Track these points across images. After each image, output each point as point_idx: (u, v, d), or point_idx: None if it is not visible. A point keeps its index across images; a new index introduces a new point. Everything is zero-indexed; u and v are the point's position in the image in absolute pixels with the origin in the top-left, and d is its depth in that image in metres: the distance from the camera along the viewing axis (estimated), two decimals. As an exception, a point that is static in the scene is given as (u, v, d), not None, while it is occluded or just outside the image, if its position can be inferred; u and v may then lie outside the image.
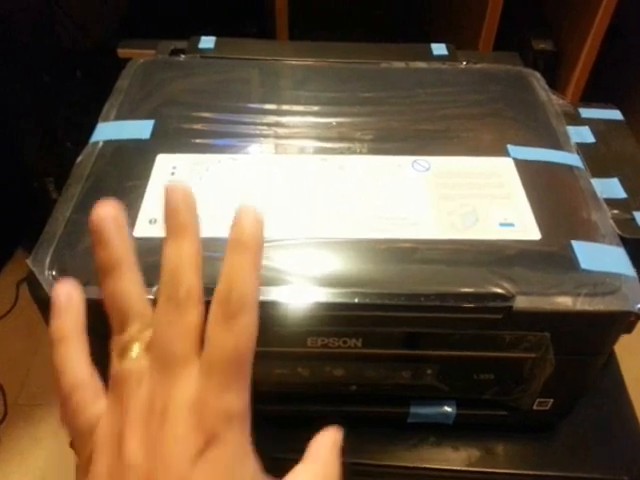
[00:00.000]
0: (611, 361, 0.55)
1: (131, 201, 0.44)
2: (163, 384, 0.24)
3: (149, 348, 0.25)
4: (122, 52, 0.89)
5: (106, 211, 0.27)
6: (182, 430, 0.23)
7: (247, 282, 0.24)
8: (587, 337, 0.42)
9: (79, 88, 1.05)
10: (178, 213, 0.26)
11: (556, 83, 1.05)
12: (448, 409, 0.47)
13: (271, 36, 0.98)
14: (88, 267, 0.39)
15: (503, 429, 0.49)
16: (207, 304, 0.25)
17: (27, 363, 1.15)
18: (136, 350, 0.25)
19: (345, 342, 0.42)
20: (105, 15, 1.12)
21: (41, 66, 1.08)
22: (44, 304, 0.40)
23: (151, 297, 0.38)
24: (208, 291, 0.25)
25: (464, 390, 0.46)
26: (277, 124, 0.52)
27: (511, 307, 0.39)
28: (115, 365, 0.26)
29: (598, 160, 0.54)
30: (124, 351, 0.25)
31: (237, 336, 0.24)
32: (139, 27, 0.98)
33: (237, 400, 0.24)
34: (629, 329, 0.53)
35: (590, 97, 1.02)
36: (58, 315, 0.27)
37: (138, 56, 0.84)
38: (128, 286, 0.27)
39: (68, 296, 0.27)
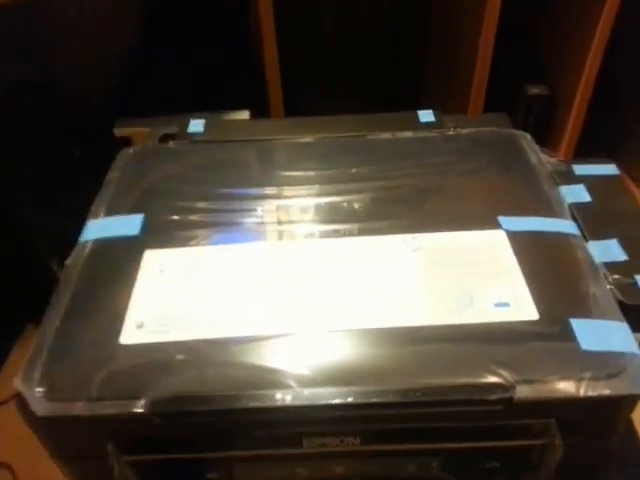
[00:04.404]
0: (629, 430, 0.53)
1: (118, 305, 0.44)
2: None
3: None
4: (118, 131, 0.90)
5: None
6: None
7: None
8: (595, 421, 0.40)
9: (77, 168, 1.07)
10: None
11: (551, 128, 1.05)
12: (458, 498, 0.45)
13: (265, 105, 1.00)
14: (76, 382, 0.39)
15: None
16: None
17: (38, 443, 1.14)
18: None
19: (342, 441, 0.40)
20: (103, 95, 1.14)
21: (39, 145, 1.10)
22: (34, 422, 0.39)
23: (139, 410, 0.38)
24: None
25: (471, 479, 0.44)
26: (265, 210, 0.52)
27: (512, 397, 0.38)
28: None
29: (595, 220, 0.53)
30: None
31: None
32: (135, 105, 1.00)
33: None
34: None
35: (587, 144, 1.02)
36: None
37: (134, 135, 0.86)
38: None
39: None
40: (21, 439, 1.22)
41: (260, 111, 0.96)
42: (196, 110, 0.72)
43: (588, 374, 0.38)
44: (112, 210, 0.53)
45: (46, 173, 1.06)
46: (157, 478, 0.43)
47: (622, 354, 0.39)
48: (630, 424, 0.53)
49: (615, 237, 0.52)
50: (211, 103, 0.81)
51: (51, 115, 1.15)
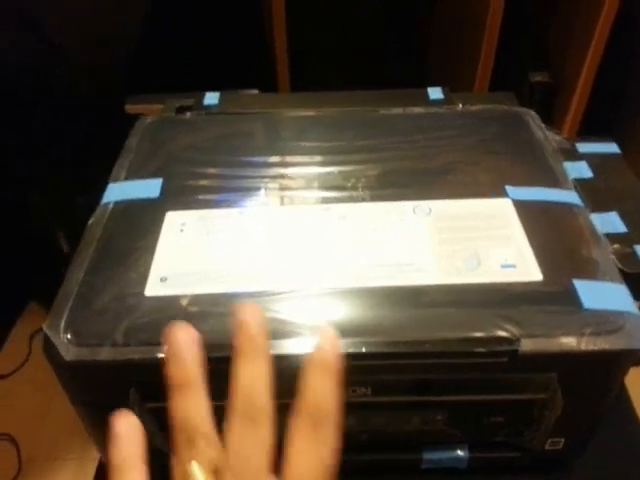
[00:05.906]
0: (621, 393, 0.55)
1: (142, 260, 0.46)
2: None
3: (222, 467, 0.26)
4: (130, 108, 0.92)
5: (184, 333, 0.29)
6: None
7: (332, 401, 0.26)
8: (594, 376, 0.42)
9: (86, 143, 1.09)
10: (252, 336, 0.28)
11: (554, 114, 1.07)
12: (461, 453, 0.47)
13: (274, 83, 1.01)
14: (101, 329, 0.41)
15: (518, 470, 0.49)
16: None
17: (41, 416, 1.16)
18: (200, 474, 0.26)
19: (354, 391, 0.42)
20: (112, 69, 1.15)
21: (44, 122, 1.12)
22: (60, 367, 0.41)
23: (162, 355, 0.40)
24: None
25: (475, 434, 0.46)
26: (280, 176, 0.54)
27: (516, 350, 0.40)
28: None
29: (597, 195, 0.55)
30: (188, 475, 0.26)
31: (325, 447, 0.25)
32: (144, 82, 1.01)
33: None
34: (639, 362, 0.53)
35: (589, 128, 1.04)
36: (119, 443, 0.27)
37: (146, 111, 0.87)
38: (195, 407, 0.28)
39: (129, 426, 0.28)
40: (24, 412, 1.24)
41: (268, 91, 0.98)
42: (205, 89, 0.74)
43: (589, 330, 0.40)
44: (132, 175, 0.55)
45: (53, 152, 1.08)
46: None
47: (621, 313, 0.41)
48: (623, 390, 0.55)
49: (615, 210, 0.54)
50: (219, 84, 0.83)
51: (57, 96, 1.16)
